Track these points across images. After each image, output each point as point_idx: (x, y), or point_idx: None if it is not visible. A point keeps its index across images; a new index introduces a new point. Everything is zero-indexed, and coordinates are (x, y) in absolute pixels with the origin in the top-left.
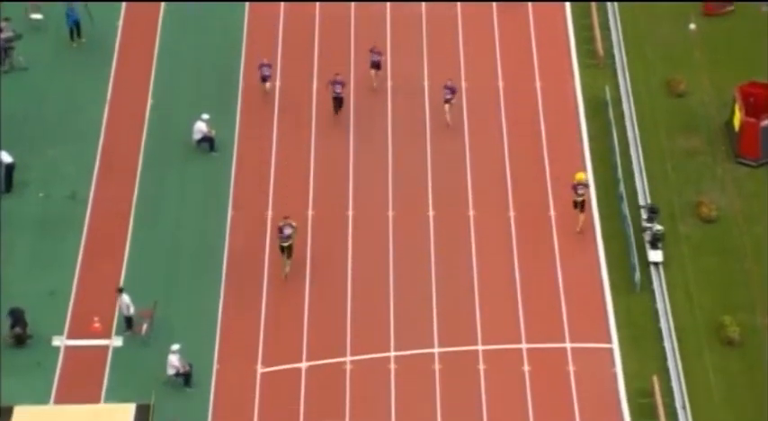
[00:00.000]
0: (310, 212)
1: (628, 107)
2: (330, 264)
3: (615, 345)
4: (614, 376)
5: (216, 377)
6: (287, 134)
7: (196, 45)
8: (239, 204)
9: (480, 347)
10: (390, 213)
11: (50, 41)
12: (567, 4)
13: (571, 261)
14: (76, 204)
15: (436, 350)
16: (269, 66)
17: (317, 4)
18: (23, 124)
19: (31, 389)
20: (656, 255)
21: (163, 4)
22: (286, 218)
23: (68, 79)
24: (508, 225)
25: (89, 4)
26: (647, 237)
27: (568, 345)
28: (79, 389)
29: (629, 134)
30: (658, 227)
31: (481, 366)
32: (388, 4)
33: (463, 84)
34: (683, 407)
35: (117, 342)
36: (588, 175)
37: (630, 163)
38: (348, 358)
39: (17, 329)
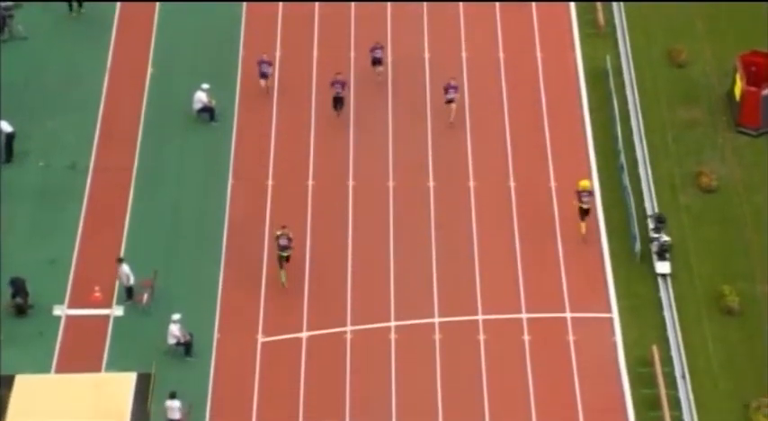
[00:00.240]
0: (310, 182)
1: (628, 77)
2: (331, 233)
3: (615, 315)
4: (614, 345)
5: (216, 346)
6: (287, 104)
7: (196, 14)
8: (239, 174)
9: (480, 317)
10: (391, 184)
11: (50, 11)
12: None
13: (571, 231)
14: (77, 174)
15: (436, 320)
16: (269, 63)
17: None
18: (23, 94)
19: (33, 358)
20: (663, 267)
21: None
22: (283, 227)
23: (68, 49)
24: (508, 195)
25: None
26: (654, 247)
27: (568, 315)
28: (80, 359)
29: (630, 104)
30: (665, 237)
31: (481, 336)
32: None
33: (464, 54)
34: (683, 377)
35: (118, 311)
36: (593, 182)
37: (631, 133)
38: (348, 328)
39: (18, 299)
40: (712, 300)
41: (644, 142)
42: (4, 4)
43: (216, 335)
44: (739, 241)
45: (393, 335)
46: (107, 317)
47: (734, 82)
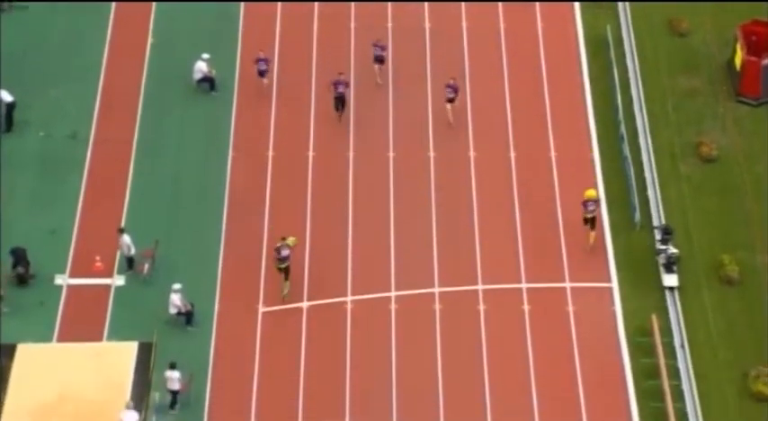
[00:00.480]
0: (311, 153)
1: (629, 47)
2: (331, 204)
3: (615, 285)
4: (613, 315)
5: (217, 316)
6: (288, 72)
7: None
8: (240, 144)
9: (480, 287)
10: (391, 154)
11: None
12: None
13: (571, 201)
14: (77, 144)
15: (436, 290)
16: (266, 60)
17: None
18: (24, 63)
19: (34, 327)
20: (671, 280)
21: None
22: (283, 238)
23: (69, 18)
24: (509, 165)
25: None
26: (661, 259)
27: (568, 285)
28: (82, 328)
29: (631, 73)
30: (673, 249)
31: (481, 306)
32: None
33: (464, 24)
34: (682, 346)
35: (119, 281)
36: (599, 192)
37: (631, 102)
38: (349, 298)
39: (19, 268)
40: (712, 269)
41: (644, 112)
42: None
43: (216, 305)
44: (739, 211)
45: (393, 306)
46: (108, 286)
47: (734, 51)
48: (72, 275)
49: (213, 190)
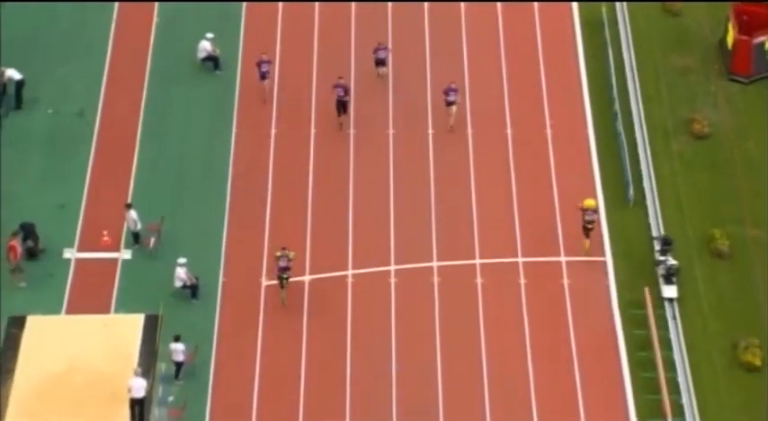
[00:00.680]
0: (312, 130)
1: (623, 27)
2: (332, 180)
3: (608, 259)
4: (607, 288)
5: (222, 289)
6: (290, 51)
7: None
8: (243, 122)
9: (478, 261)
10: (391, 131)
11: None
12: None
13: (566, 177)
14: (85, 121)
15: (435, 264)
16: (268, 62)
17: None
18: (32, 42)
19: (44, 299)
20: (670, 291)
21: None
22: (284, 249)
23: None
24: (506, 142)
25: None
26: (660, 271)
27: (563, 259)
28: (90, 300)
29: (625, 54)
30: (673, 261)
31: (479, 279)
32: None
33: (462, 6)
34: (674, 318)
35: (126, 255)
36: (597, 201)
37: (625, 81)
38: (350, 272)
39: (29, 242)
40: (703, 243)
41: (638, 90)
42: None
43: (221, 279)
44: (730, 186)
45: (393, 279)
46: (115, 260)
47: (726, 31)
48: (80, 249)
49: (217, 166)
